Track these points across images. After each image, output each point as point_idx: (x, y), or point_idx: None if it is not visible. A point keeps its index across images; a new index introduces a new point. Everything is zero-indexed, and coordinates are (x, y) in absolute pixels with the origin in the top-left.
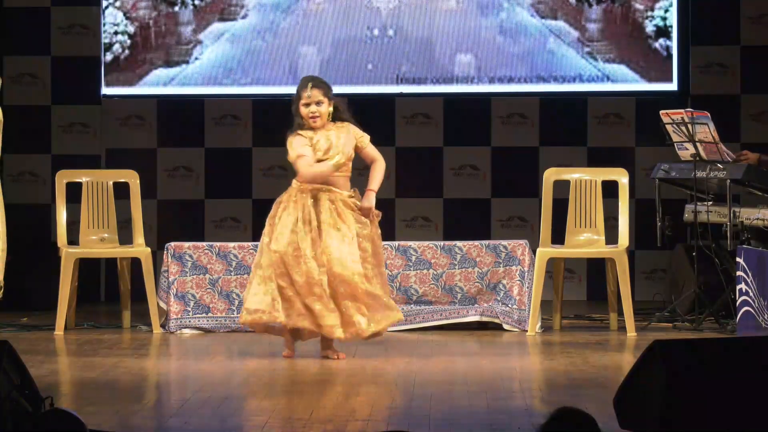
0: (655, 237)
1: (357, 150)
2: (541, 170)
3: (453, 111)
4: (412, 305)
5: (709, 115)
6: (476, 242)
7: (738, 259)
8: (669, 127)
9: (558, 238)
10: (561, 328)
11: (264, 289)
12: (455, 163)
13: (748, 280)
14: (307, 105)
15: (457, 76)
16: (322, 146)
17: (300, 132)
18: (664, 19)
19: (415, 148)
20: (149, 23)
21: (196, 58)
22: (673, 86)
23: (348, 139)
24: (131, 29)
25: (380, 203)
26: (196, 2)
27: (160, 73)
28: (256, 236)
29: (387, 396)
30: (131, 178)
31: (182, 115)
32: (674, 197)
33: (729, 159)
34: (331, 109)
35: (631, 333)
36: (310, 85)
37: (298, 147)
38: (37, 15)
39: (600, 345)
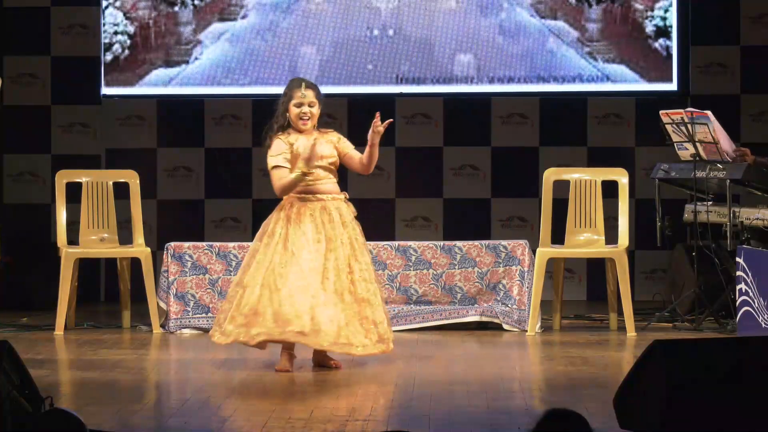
0: (655, 237)
1: (339, 155)
2: (541, 170)
3: (453, 111)
4: (412, 305)
5: (708, 115)
6: (476, 242)
7: (738, 259)
8: (669, 127)
9: (558, 238)
10: (561, 328)
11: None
12: (455, 163)
13: (748, 280)
14: (300, 105)
15: (457, 76)
16: (302, 152)
17: (280, 136)
18: (664, 19)
19: (415, 148)
20: (149, 23)
21: (196, 58)
22: (673, 86)
23: (326, 144)
24: (131, 29)
25: (380, 203)
26: (196, 2)
27: (160, 73)
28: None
29: (387, 396)
30: (131, 178)
31: (182, 115)
32: (674, 197)
33: (729, 159)
34: (318, 113)
35: (631, 333)
36: (303, 85)
37: (277, 156)
38: (37, 15)
39: (600, 345)
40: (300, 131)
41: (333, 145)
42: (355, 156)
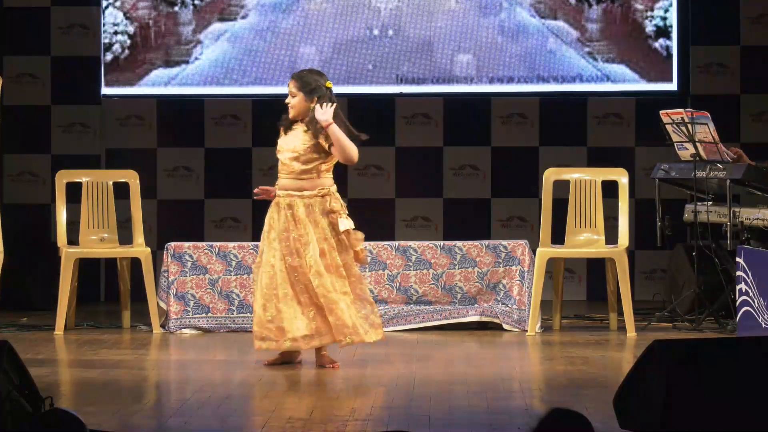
0: (655, 237)
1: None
2: (541, 170)
3: (453, 111)
4: (412, 305)
5: (708, 115)
6: (476, 242)
7: (738, 259)
8: (669, 127)
9: (558, 238)
10: (561, 328)
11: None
12: (455, 163)
13: (748, 280)
14: (287, 96)
15: (457, 76)
16: (282, 146)
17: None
18: (664, 19)
19: (415, 148)
20: (149, 23)
21: (196, 58)
22: (673, 86)
23: (304, 138)
24: (131, 29)
25: (380, 203)
26: (196, 2)
27: (160, 73)
28: (256, 236)
29: (387, 396)
30: (131, 178)
31: (182, 115)
32: (674, 197)
33: (729, 159)
34: (311, 104)
35: (631, 333)
36: (291, 77)
37: None
38: (37, 15)
39: (600, 345)
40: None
41: (309, 135)
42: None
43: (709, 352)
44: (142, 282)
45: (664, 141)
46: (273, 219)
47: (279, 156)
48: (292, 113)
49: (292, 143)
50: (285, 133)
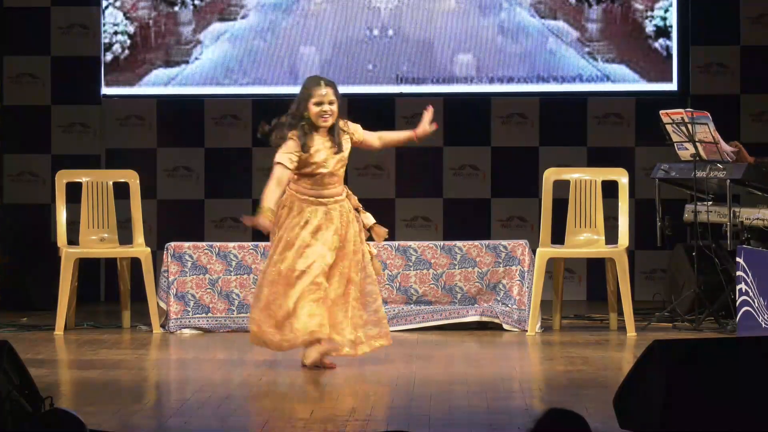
0: (655, 237)
1: (357, 144)
2: (541, 170)
3: (453, 111)
4: (412, 305)
5: (709, 115)
6: (476, 242)
7: (738, 259)
8: (669, 127)
9: (558, 238)
10: (561, 328)
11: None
12: (455, 163)
13: (748, 280)
14: (320, 104)
15: (457, 76)
16: (329, 160)
17: (297, 136)
18: (664, 19)
19: (416, 148)
20: (149, 23)
21: (196, 58)
22: (673, 86)
23: (344, 145)
24: (131, 29)
25: (380, 203)
26: (196, 2)
27: (160, 73)
28: (256, 236)
29: (387, 396)
30: (131, 178)
31: (182, 115)
32: (674, 197)
33: (730, 159)
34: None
35: (631, 333)
36: (323, 83)
37: (284, 155)
38: (37, 15)
39: (600, 345)
40: (318, 128)
41: (349, 143)
42: (370, 139)
43: (709, 352)
44: (142, 282)
45: (664, 141)
46: (315, 216)
47: (325, 170)
48: (331, 120)
49: (338, 153)
50: (305, 149)
